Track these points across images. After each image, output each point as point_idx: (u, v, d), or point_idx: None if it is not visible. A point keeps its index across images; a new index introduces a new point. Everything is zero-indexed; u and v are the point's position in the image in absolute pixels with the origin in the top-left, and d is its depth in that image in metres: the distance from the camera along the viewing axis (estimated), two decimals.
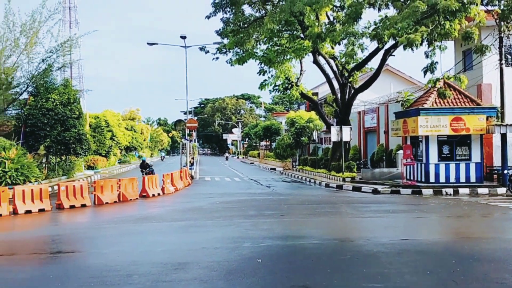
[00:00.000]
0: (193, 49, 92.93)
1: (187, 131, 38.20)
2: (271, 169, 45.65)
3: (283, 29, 27.82)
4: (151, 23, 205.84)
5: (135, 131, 61.79)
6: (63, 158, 31.25)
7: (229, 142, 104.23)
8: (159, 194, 21.29)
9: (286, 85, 29.43)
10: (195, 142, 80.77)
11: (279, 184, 28.37)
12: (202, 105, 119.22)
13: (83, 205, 17.13)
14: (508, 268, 7.86)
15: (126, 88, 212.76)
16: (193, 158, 42.17)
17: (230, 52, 28.69)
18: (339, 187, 24.65)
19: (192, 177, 32.01)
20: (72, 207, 16.70)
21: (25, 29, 28.20)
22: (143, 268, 7.79)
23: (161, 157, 77.67)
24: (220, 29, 28.74)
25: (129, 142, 56.81)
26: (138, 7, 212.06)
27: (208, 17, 27.77)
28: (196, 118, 72.22)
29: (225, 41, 28.72)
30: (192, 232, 11.68)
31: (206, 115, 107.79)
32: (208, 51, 29.58)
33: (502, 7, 19.72)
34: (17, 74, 29.24)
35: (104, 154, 43.78)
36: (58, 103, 28.34)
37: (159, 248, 9.62)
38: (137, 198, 19.69)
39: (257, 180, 30.80)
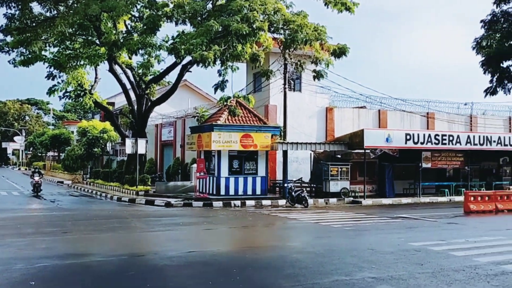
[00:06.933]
0: None
1: None
2: (59, 182, 42.21)
3: (77, 33, 26.16)
4: None
5: None
6: None
7: (9, 151, 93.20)
8: None
9: (79, 92, 27.55)
10: None
11: (65, 199, 26.24)
12: None
13: None
14: (283, 273, 8.44)
15: None
16: None
17: (14, 51, 25.71)
18: (132, 201, 23.94)
19: None
20: None
21: None
22: None
23: None
24: (3, 25, 25.52)
25: None
26: None
27: None
28: None
29: (9, 38, 25.64)
30: None
31: None
32: None
33: (286, 36, 21.77)
34: None
35: None
36: None
37: None
38: None
39: (40, 194, 28.01)
